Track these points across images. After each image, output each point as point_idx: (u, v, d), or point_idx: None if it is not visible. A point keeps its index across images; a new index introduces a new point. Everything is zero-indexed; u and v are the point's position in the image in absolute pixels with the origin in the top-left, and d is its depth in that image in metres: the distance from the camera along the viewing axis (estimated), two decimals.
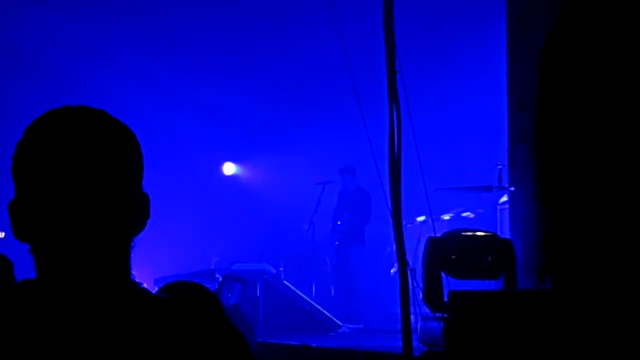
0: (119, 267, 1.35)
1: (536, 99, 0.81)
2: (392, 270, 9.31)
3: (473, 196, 8.35)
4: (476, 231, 5.29)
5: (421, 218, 8.87)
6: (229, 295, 6.38)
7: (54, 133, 1.31)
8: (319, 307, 8.03)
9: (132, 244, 1.38)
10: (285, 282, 8.11)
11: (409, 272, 5.05)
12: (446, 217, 8.70)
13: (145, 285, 1.47)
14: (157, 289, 1.52)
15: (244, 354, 1.41)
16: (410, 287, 5.04)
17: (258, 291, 7.43)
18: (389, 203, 5.15)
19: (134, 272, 1.43)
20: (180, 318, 1.37)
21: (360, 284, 8.90)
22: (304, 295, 8.11)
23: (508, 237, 5.59)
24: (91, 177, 1.30)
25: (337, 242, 9.08)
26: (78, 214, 1.29)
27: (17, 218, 1.33)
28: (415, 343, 4.93)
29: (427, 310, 5.08)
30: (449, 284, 5.02)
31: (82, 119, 1.34)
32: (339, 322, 7.97)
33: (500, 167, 6.62)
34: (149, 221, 1.41)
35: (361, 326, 8.28)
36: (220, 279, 7.73)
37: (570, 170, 0.75)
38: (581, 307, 0.76)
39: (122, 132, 1.38)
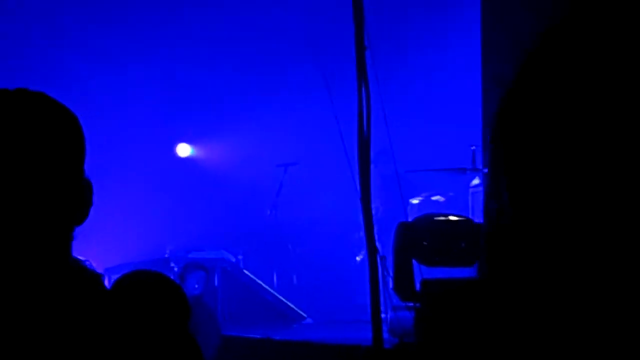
0: (55, 260, 1.32)
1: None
2: (357, 258, 9.39)
3: (443, 179, 8.44)
4: (449, 215, 5.36)
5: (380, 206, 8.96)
6: (196, 285, 6.39)
7: None
8: (281, 297, 8.07)
9: (72, 234, 1.36)
10: (245, 271, 8.13)
11: (378, 259, 5.11)
12: (415, 201, 8.78)
13: (104, 277, 1.47)
14: (106, 278, 1.52)
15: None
16: (380, 275, 5.11)
17: (216, 281, 7.44)
18: (358, 185, 5.20)
19: (93, 263, 1.44)
20: (129, 323, 1.35)
21: None
22: (265, 285, 8.14)
23: (481, 221, 5.66)
24: (21, 162, 1.27)
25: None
26: (2, 202, 1.26)
27: None
28: (385, 334, 5.00)
29: (398, 300, 5.14)
30: (421, 271, 5.09)
31: (19, 101, 1.32)
32: (303, 314, 8.02)
33: (474, 148, 6.70)
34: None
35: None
36: (175, 268, 7.73)
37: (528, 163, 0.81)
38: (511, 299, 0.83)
39: (61, 114, 1.35)
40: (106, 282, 1.47)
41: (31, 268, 1.29)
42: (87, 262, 1.45)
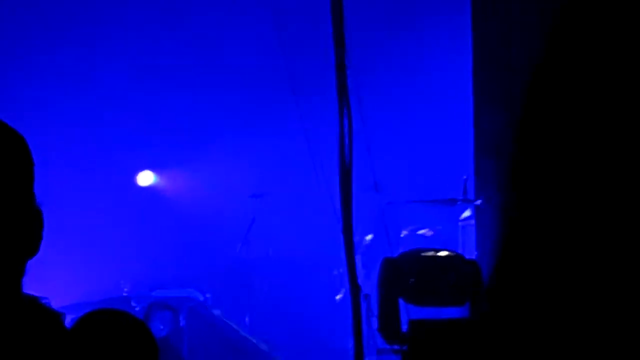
0: (6, 297, 1.32)
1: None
2: (337, 297, 9.42)
3: (431, 211, 8.52)
4: (438, 251, 5.41)
5: (369, 237, 9.00)
6: (162, 327, 6.40)
7: None
8: (253, 340, 8.08)
9: (24, 268, 1.35)
10: (214, 311, 8.13)
11: (362, 298, 5.16)
12: (401, 234, 8.85)
13: (65, 316, 1.48)
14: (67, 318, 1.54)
15: None
16: (364, 315, 5.15)
17: (183, 321, 7.44)
18: (340, 218, 5.24)
19: (52, 301, 1.45)
20: None
21: None
22: (235, 326, 8.14)
23: (472, 257, 5.73)
24: None
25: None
26: None
27: None
28: None
29: (383, 342, 5.18)
30: (408, 311, 5.13)
31: None
32: (278, 358, 8.04)
33: (466, 177, 6.78)
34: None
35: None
36: (137, 308, 7.73)
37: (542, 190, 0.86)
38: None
39: (6, 135, 1.35)
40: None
41: None
42: (46, 300, 1.44)
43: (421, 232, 8.92)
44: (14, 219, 1.31)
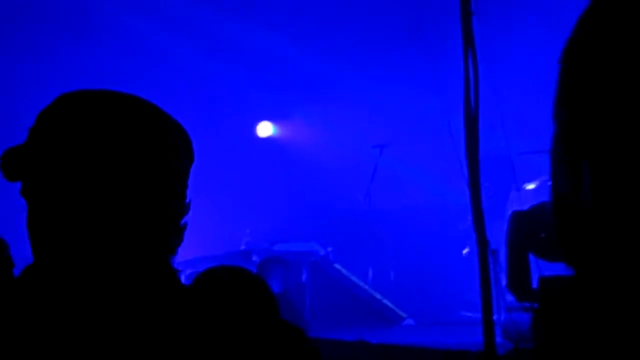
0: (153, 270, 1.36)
1: None
2: (464, 251, 9.36)
3: None
4: None
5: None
6: (276, 282, 6.46)
7: (77, 123, 1.30)
8: (377, 295, 8.11)
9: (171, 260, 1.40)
10: (336, 265, 8.18)
11: (489, 253, 5.10)
12: (531, 186, 8.69)
13: (181, 272, 1.51)
14: (184, 274, 1.55)
15: None
16: (492, 271, 5.09)
17: (304, 276, 7.52)
18: (465, 169, 5.19)
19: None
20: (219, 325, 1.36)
21: None
22: (359, 281, 8.18)
23: None
24: (118, 180, 1.30)
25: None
26: (94, 223, 1.28)
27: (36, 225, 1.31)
28: (498, 339, 4.98)
29: (512, 300, 5.12)
30: (539, 267, 5.05)
31: (132, 112, 1.35)
32: (403, 314, 8.04)
33: None
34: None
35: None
36: (257, 262, 7.85)
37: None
38: None
39: (175, 130, 1.40)
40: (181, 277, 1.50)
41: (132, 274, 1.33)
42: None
43: None
44: (159, 214, 1.35)
